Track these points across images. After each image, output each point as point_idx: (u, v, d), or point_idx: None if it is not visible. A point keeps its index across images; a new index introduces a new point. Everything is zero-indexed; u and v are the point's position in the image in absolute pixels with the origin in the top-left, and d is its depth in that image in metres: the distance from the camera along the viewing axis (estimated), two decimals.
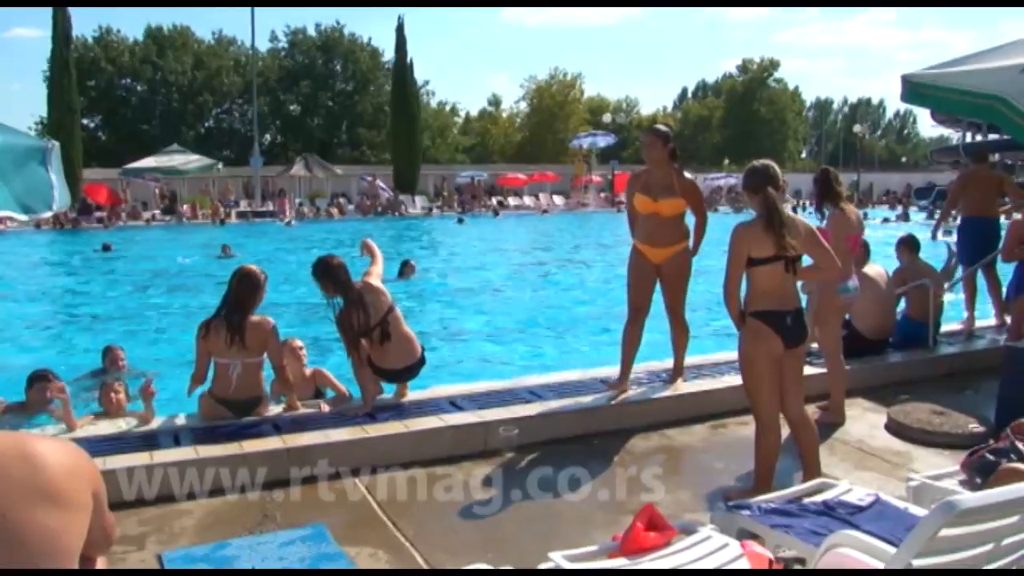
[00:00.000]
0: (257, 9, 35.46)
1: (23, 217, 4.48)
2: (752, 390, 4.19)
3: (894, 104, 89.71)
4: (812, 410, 5.66)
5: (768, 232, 3.96)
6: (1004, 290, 7.91)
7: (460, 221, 28.40)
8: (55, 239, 22.79)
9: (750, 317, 4.07)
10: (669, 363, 6.37)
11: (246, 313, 5.05)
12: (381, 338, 5.30)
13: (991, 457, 3.67)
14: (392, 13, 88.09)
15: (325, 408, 5.26)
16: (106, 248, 18.41)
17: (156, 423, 4.97)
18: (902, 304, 7.22)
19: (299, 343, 5.85)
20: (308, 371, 5.80)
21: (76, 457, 1.68)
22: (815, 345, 5.91)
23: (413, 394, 5.55)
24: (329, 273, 5.24)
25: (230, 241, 17.93)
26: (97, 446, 4.40)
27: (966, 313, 7.94)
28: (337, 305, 5.25)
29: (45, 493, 1.55)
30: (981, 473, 3.61)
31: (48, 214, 4.72)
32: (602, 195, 39.32)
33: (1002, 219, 8.09)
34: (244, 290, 5.09)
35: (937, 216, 8.44)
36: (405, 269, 13.57)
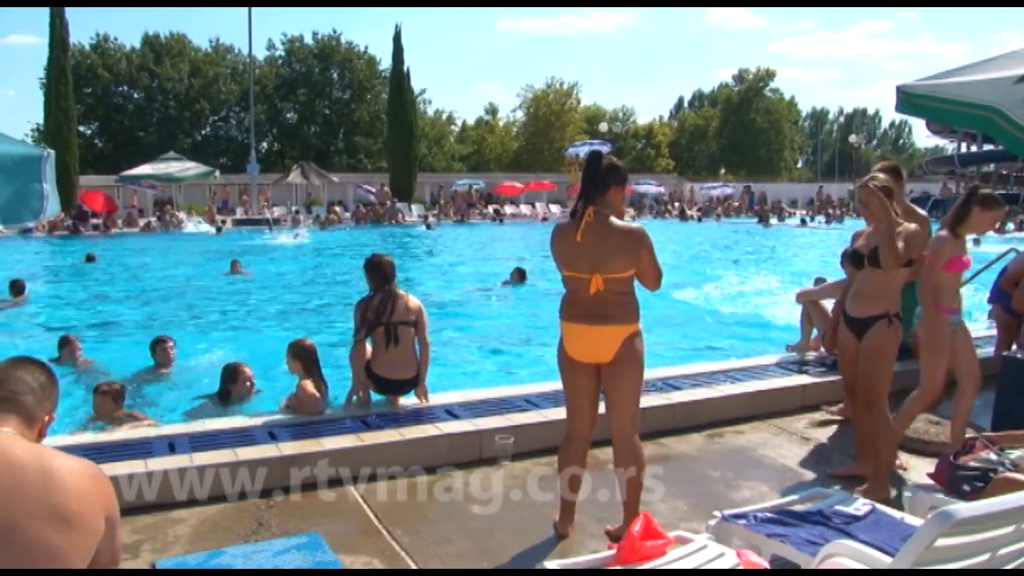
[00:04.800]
0: (254, 18, 35.49)
1: None
2: (885, 383, 4.49)
3: (889, 114, 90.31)
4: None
5: None
6: None
7: (428, 227, 29.74)
8: (47, 247, 22.65)
9: (895, 318, 4.39)
10: (661, 371, 6.35)
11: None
12: (387, 339, 5.46)
13: (976, 465, 3.66)
14: (389, 22, 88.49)
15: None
16: (90, 259, 17.98)
17: (151, 431, 4.96)
18: None
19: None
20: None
21: (94, 480, 1.68)
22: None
23: (409, 402, 5.55)
24: (378, 267, 5.61)
25: (233, 254, 17.43)
26: (91, 453, 4.38)
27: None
28: (369, 294, 5.60)
29: (58, 513, 1.55)
30: (968, 482, 3.60)
31: (34, 223, 4.75)
32: None
33: None
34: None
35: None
36: (516, 275, 14.12)
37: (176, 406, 6.58)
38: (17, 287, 12.24)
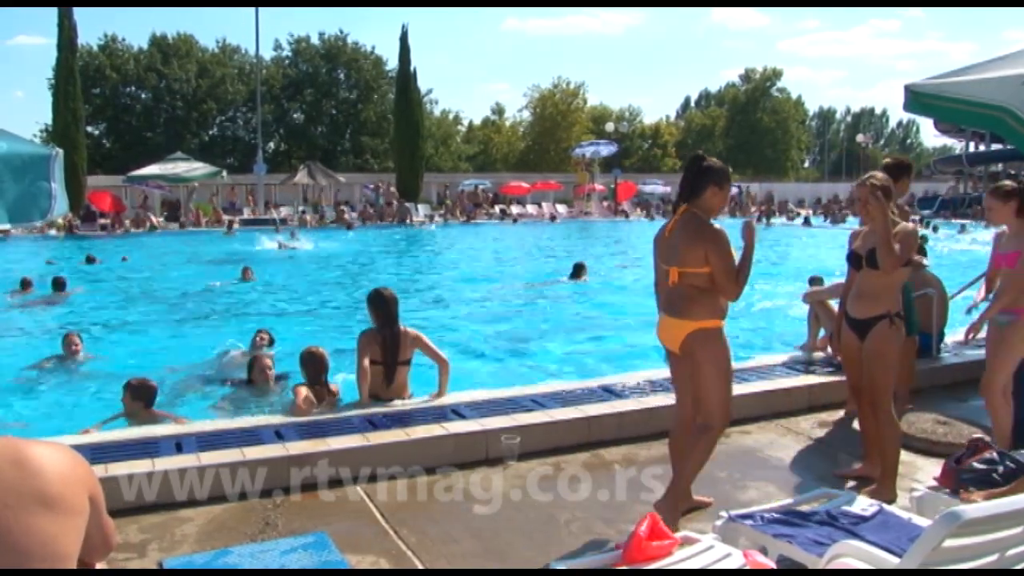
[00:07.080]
0: (261, 19, 35.65)
1: (6, 226, 4.55)
2: (890, 384, 4.45)
3: (897, 113, 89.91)
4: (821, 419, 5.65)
5: None
6: None
7: (420, 225, 31.30)
8: (54, 247, 22.62)
9: (896, 317, 4.37)
10: (667, 371, 6.32)
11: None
12: (386, 380, 5.62)
13: (981, 466, 3.63)
14: (396, 22, 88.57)
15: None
16: (90, 260, 17.96)
17: (158, 430, 4.97)
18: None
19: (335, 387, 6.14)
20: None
21: (71, 461, 1.68)
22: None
23: (415, 402, 5.56)
24: (380, 303, 5.71)
25: (245, 259, 17.20)
26: (99, 452, 4.40)
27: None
28: (372, 326, 5.71)
29: (41, 497, 1.55)
30: (974, 484, 3.57)
31: (42, 222, 4.80)
32: (605, 203, 39.39)
33: None
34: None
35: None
36: (579, 271, 14.15)
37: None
38: (59, 283, 12.45)
